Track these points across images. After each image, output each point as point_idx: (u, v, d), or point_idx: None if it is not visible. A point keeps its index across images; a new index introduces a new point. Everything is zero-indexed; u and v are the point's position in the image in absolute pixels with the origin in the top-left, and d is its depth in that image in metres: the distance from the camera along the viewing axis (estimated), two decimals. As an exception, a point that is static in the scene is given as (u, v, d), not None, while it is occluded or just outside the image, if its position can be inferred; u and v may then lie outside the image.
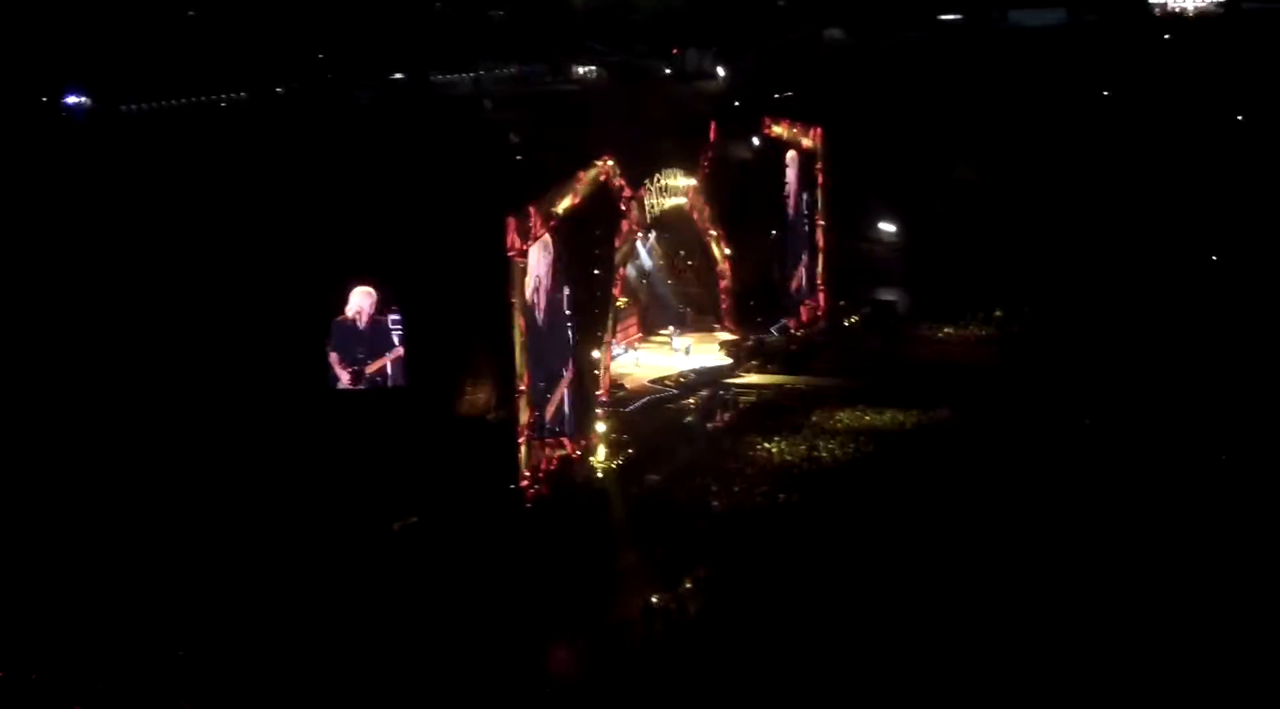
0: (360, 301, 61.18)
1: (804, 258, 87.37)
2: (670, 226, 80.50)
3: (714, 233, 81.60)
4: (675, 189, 77.30)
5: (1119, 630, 45.68)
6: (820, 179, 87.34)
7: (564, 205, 65.02)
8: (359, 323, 61.36)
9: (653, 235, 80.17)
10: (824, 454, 64.23)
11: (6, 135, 78.63)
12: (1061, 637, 45.44)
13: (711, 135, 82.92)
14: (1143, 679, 42.92)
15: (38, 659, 45.03)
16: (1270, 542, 51.71)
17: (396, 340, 61.31)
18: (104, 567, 51.28)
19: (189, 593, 49.42)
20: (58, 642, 46.18)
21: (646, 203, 74.52)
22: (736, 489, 60.38)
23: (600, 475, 62.40)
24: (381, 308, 61.21)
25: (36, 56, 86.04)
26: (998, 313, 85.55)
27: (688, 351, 78.75)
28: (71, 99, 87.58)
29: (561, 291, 64.44)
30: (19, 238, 68.81)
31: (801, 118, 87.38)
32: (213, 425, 60.09)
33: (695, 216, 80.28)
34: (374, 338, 61.42)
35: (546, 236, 62.69)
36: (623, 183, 71.27)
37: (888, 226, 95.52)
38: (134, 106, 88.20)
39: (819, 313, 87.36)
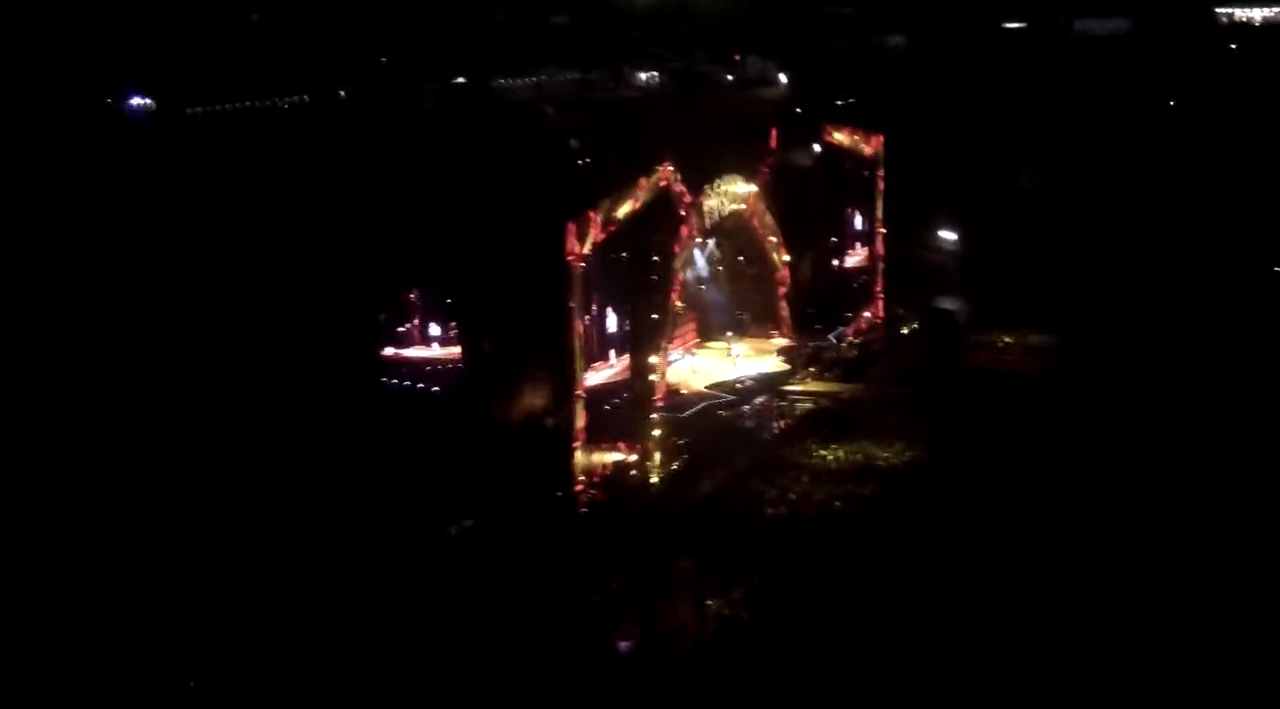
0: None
1: (863, 266, 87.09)
2: (729, 232, 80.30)
3: (773, 239, 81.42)
4: (735, 195, 77.16)
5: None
6: (880, 186, 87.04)
7: (624, 211, 65.09)
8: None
9: (712, 241, 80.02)
10: (879, 462, 64.08)
11: (71, 137, 79.09)
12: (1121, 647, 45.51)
13: (772, 142, 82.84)
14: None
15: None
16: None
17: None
18: (166, 563, 51.84)
19: (245, 588, 49.93)
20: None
21: (706, 208, 74.45)
22: (792, 496, 60.33)
23: (655, 481, 62.38)
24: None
25: (100, 59, 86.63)
26: (1056, 322, 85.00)
27: (737, 359, 78.46)
28: (135, 101, 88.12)
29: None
30: (84, 238, 69.30)
31: (862, 125, 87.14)
32: (273, 425, 60.42)
33: (755, 223, 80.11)
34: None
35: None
36: (683, 189, 71.25)
37: (947, 235, 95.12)
38: (197, 109, 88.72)
39: (877, 320, 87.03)
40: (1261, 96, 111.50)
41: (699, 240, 76.16)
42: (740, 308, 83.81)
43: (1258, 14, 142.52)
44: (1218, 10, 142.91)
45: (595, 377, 64.51)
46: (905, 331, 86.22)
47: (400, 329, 72.12)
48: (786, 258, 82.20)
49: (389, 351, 69.96)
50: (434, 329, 71.58)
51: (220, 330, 65.72)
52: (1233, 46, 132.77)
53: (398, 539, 53.92)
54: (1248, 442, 63.76)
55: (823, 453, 65.42)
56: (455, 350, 66.74)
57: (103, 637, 46.88)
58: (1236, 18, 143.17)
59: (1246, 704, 43.36)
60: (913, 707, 43.80)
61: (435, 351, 71.32)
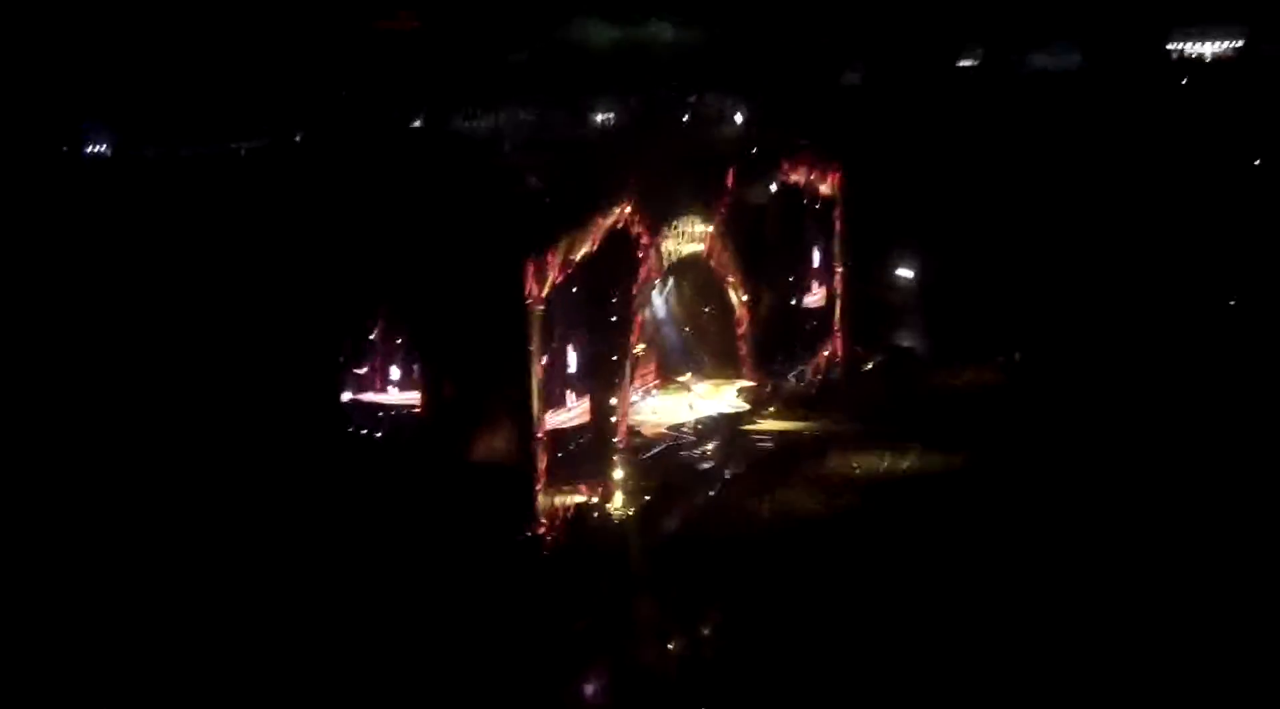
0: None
1: (822, 303, 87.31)
2: (688, 272, 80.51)
3: (731, 279, 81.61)
4: (693, 235, 77.31)
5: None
6: (838, 225, 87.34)
7: (582, 251, 65.19)
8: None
9: (670, 281, 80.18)
10: (841, 500, 64.21)
11: (27, 180, 78.82)
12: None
13: (729, 181, 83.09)
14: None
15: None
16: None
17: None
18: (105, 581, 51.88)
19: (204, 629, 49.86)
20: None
21: (664, 249, 74.59)
22: (754, 534, 60.41)
23: (617, 522, 62.37)
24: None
25: (56, 103, 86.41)
26: (1016, 356, 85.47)
27: (696, 400, 78.46)
28: (90, 147, 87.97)
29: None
30: (42, 280, 69.01)
31: (819, 163, 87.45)
32: (229, 470, 60.16)
33: (713, 262, 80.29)
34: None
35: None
36: (641, 229, 71.38)
37: (905, 271, 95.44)
38: (154, 152, 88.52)
39: (837, 358, 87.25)
40: (1212, 130, 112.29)
41: (657, 280, 76.33)
42: (699, 347, 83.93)
43: (1208, 49, 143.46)
44: (1169, 46, 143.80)
45: (555, 418, 64.27)
46: (866, 369, 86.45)
47: (359, 372, 71.59)
48: (745, 297, 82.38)
49: (347, 397, 69.41)
50: (394, 373, 70.86)
51: (178, 370, 65.46)
52: (1184, 81, 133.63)
53: (355, 581, 53.79)
54: (1214, 470, 64.28)
55: (784, 492, 65.50)
56: (414, 395, 66.34)
57: None
58: (1187, 53, 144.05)
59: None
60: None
61: (394, 397, 70.63)
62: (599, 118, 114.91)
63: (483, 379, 62.04)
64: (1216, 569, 53.63)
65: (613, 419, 66.84)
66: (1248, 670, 45.62)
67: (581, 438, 65.96)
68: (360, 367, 71.74)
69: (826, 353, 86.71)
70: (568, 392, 65.35)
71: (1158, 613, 50.20)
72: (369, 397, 70.10)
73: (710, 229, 78.80)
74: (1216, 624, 48.93)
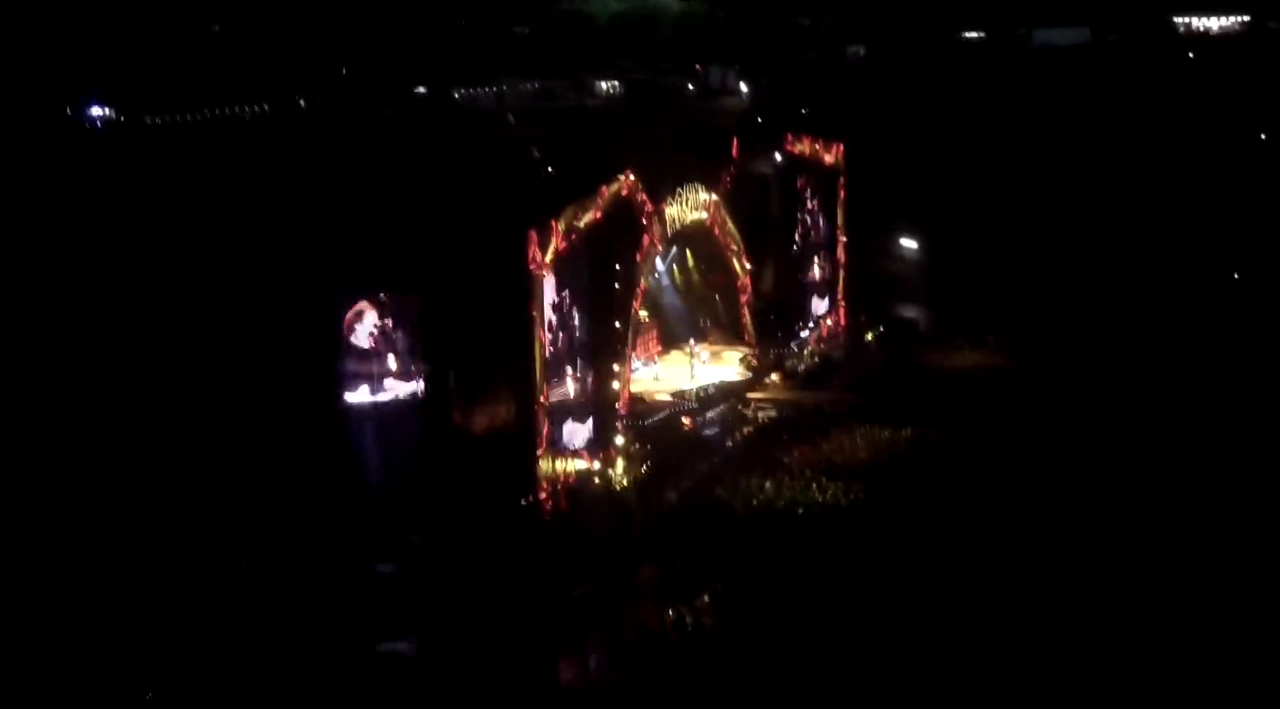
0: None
1: (825, 274, 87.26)
2: (691, 241, 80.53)
3: (735, 248, 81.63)
4: (696, 204, 77.33)
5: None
6: (841, 196, 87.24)
7: (585, 220, 65.09)
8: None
9: (674, 250, 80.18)
10: (841, 470, 64.16)
11: (28, 146, 78.54)
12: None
13: (734, 152, 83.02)
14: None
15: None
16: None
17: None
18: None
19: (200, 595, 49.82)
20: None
21: (668, 217, 74.56)
22: (755, 503, 60.43)
23: (619, 489, 62.39)
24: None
25: (59, 68, 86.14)
26: (1018, 329, 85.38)
27: (702, 362, 78.53)
28: (94, 110, 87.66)
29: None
30: (39, 249, 68.68)
31: (823, 135, 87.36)
32: (230, 438, 59.96)
33: (716, 232, 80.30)
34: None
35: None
36: (644, 198, 71.31)
37: (908, 243, 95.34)
38: (157, 118, 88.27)
39: (839, 329, 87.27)
40: (1217, 103, 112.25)
41: (661, 249, 76.30)
42: (702, 316, 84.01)
43: (1214, 23, 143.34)
44: (1175, 20, 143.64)
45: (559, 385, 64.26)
46: (867, 339, 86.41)
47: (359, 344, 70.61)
48: (748, 266, 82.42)
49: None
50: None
51: (178, 339, 65.19)
52: (1190, 55, 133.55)
53: (359, 548, 53.87)
54: (1211, 444, 64.29)
55: (785, 460, 65.51)
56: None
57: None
58: (1194, 27, 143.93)
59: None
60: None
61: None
62: (603, 88, 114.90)
63: (485, 347, 61.94)
64: (1213, 541, 53.76)
65: (615, 386, 66.77)
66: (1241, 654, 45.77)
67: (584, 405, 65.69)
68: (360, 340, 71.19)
69: (829, 323, 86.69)
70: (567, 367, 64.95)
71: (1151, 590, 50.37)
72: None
73: (714, 198, 78.80)
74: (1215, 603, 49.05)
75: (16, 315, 63.15)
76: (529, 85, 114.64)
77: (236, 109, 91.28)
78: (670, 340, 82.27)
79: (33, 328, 63.04)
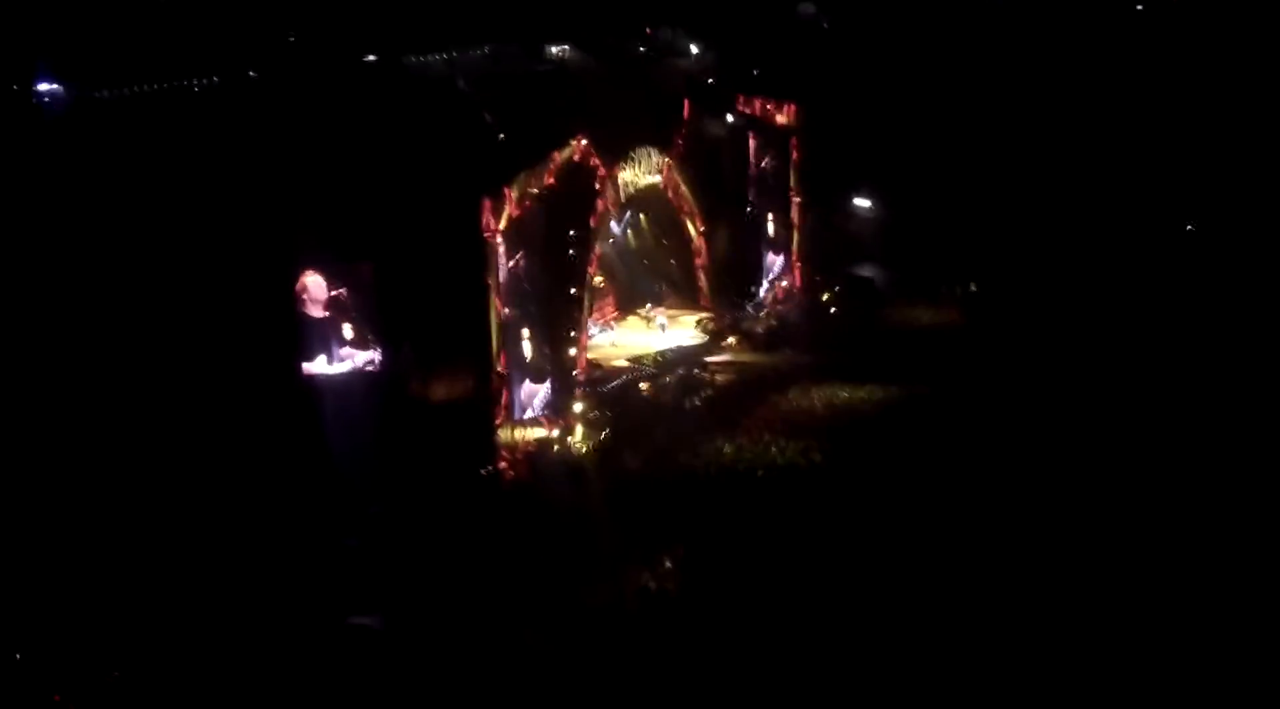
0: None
1: (780, 235, 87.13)
2: (646, 205, 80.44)
3: (689, 211, 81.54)
4: (651, 167, 77.25)
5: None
6: (795, 156, 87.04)
7: (539, 186, 64.93)
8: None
9: (628, 214, 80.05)
10: (801, 433, 64.19)
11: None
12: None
13: (685, 113, 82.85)
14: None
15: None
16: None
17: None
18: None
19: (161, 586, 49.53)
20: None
21: (622, 182, 74.46)
22: (714, 466, 60.44)
23: (578, 456, 62.32)
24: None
25: (4, 44, 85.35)
26: (974, 287, 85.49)
27: (663, 328, 78.61)
28: (42, 86, 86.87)
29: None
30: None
31: (776, 95, 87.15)
32: (184, 412, 59.69)
33: (670, 195, 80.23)
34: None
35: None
36: (597, 162, 71.21)
37: (864, 202, 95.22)
38: (106, 93, 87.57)
39: (796, 289, 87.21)
40: (1174, 58, 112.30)
41: (615, 213, 76.21)
42: (658, 280, 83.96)
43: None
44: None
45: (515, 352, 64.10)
46: (824, 299, 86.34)
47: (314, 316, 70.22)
48: (702, 228, 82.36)
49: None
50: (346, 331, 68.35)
51: (133, 313, 64.89)
52: (1139, 8, 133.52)
53: (314, 521, 53.75)
54: (1171, 399, 64.55)
55: (745, 422, 65.52)
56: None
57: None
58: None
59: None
60: (838, 681, 43.86)
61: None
62: (554, 51, 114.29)
63: (440, 315, 61.83)
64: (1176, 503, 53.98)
65: (572, 352, 66.68)
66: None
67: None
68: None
69: (785, 284, 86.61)
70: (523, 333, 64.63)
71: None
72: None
73: (667, 161, 78.71)
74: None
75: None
76: (479, 50, 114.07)
77: (186, 82, 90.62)
78: (627, 305, 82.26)
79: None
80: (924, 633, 45.21)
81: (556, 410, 64.13)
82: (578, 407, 64.80)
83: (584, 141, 70.01)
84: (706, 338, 78.41)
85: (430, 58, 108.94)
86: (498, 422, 60.52)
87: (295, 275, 60.44)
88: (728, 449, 62.07)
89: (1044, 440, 60.52)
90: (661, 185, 78.93)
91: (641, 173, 76.46)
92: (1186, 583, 47.17)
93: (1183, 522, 51.68)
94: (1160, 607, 45.90)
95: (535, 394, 64.02)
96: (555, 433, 62.93)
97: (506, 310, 61.41)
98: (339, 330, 61.09)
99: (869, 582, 48.55)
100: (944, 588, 47.93)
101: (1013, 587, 47.70)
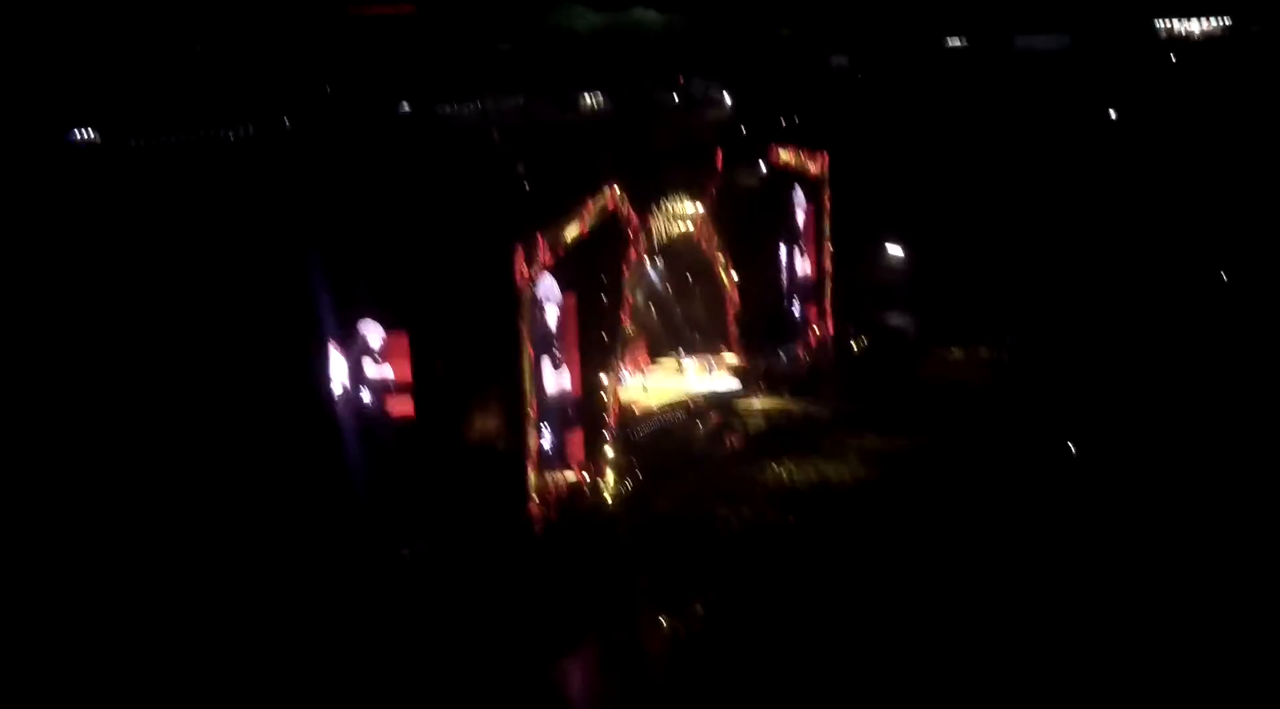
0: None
1: (811, 283, 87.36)
2: (678, 253, 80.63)
3: (721, 258, 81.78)
4: (682, 215, 77.48)
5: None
6: (826, 205, 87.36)
7: (572, 233, 65.30)
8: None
9: (661, 261, 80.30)
10: (831, 478, 64.33)
11: (12, 169, 78.56)
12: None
13: (718, 163, 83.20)
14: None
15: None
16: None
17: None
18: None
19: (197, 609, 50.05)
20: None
21: (654, 229, 74.79)
22: (746, 513, 60.53)
23: (609, 501, 62.51)
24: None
25: (43, 92, 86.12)
26: (1005, 337, 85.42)
27: (697, 374, 78.74)
28: (77, 134, 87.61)
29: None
30: (26, 271, 68.83)
31: (807, 144, 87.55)
32: (227, 456, 60.16)
33: (702, 243, 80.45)
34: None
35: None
36: (630, 210, 71.54)
37: (895, 251, 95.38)
38: (140, 141, 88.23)
39: (826, 338, 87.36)
40: (1200, 106, 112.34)
41: (648, 261, 76.46)
42: (690, 327, 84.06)
43: (1196, 26, 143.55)
44: (1157, 23, 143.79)
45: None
46: (855, 348, 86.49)
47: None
48: (735, 277, 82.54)
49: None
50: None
51: (169, 360, 65.35)
52: (1172, 58, 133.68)
53: (351, 562, 54.04)
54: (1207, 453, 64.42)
55: (776, 469, 65.65)
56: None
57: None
58: (1176, 30, 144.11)
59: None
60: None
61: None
62: (587, 102, 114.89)
63: (474, 362, 62.11)
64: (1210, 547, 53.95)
65: (604, 398, 66.91)
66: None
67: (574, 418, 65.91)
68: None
69: (816, 332, 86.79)
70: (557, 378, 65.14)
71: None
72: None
73: (700, 209, 78.95)
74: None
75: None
76: (513, 101, 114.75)
77: (221, 131, 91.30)
78: (658, 352, 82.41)
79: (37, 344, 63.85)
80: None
81: (588, 455, 64.33)
82: (609, 451, 64.99)
83: (617, 190, 70.37)
84: (738, 384, 78.52)
85: (464, 107, 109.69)
86: (530, 466, 60.74)
87: (330, 324, 61.12)
88: (758, 495, 62.18)
89: (1074, 493, 60.56)
90: (694, 234, 79.16)
91: (674, 221, 76.74)
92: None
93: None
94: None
95: (567, 439, 64.25)
96: (586, 477, 63.13)
97: (539, 356, 61.73)
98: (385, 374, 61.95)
99: (895, 635, 48.65)
100: (971, 640, 48.08)
101: (1035, 643, 47.85)
